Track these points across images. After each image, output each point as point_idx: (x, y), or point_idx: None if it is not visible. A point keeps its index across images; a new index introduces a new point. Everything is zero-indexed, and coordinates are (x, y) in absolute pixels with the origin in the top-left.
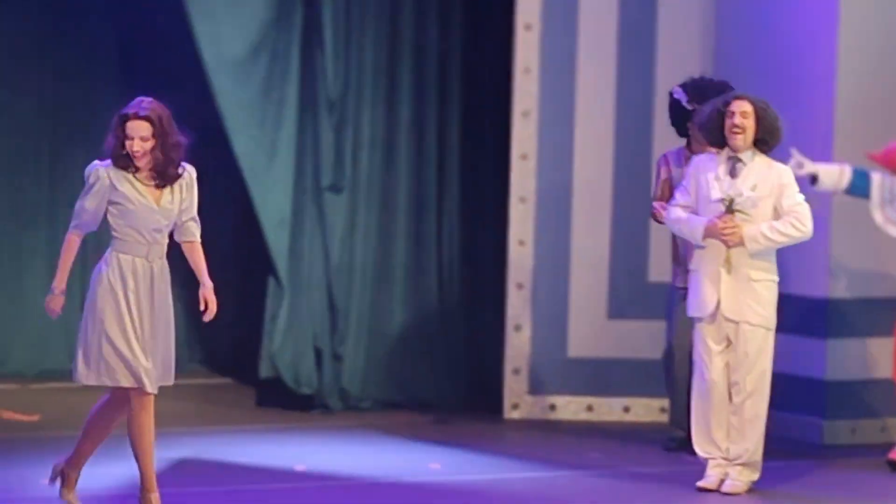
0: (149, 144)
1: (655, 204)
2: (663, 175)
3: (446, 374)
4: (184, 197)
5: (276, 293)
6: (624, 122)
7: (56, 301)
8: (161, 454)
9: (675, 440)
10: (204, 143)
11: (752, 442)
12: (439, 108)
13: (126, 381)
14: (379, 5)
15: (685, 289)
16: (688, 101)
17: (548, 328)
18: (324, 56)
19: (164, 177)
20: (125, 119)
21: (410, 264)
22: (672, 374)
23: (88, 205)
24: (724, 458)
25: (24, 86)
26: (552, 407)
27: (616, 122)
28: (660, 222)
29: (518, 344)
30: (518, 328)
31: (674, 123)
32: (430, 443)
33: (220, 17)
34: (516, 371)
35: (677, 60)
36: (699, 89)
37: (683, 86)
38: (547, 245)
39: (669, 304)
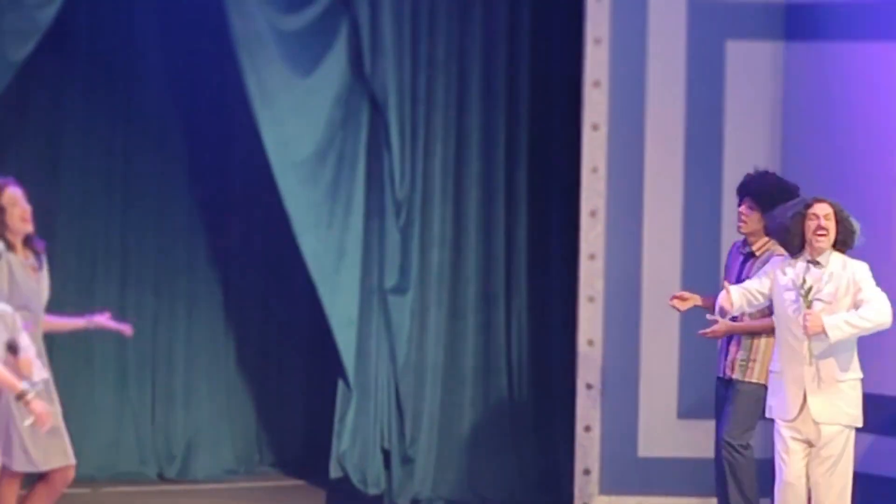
0: None
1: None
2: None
3: (518, 473)
4: None
5: (345, 394)
6: (691, 220)
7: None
8: None
9: None
10: (277, 244)
11: None
12: (507, 207)
13: None
14: (445, 106)
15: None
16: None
17: (618, 428)
18: (391, 157)
19: None
20: None
21: (480, 364)
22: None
23: None
24: None
25: (94, 202)
26: None
27: (683, 220)
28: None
29: (588, 444)
30: (588, 428)
31: None
32: None
33: (287, 121)
34: (587, 471)
35: (744, 154)
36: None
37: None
38: (616, 344)
39: (717, 398)
